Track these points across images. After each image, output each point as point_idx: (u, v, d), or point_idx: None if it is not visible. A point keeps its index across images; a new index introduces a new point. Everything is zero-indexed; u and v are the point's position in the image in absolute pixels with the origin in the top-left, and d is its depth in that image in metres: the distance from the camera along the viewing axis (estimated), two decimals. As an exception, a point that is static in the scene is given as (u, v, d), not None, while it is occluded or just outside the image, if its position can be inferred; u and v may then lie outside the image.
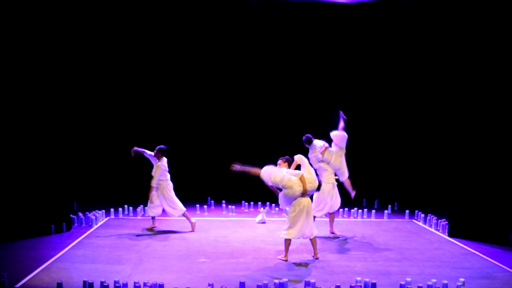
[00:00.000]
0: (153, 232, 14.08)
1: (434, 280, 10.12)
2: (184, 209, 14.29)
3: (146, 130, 17.81)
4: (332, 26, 18.09)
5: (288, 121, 18.27)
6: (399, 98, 18.23)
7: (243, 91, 18.39)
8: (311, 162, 13.27)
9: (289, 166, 12.10)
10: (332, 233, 14.12)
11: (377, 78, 18.33)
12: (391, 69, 18.21)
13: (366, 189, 17.17)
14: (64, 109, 14.20)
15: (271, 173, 11.73)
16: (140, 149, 14.20)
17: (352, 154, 14.80)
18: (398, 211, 17.07)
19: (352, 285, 9.91)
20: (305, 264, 11.48)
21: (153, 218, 14.39)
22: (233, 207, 16.77)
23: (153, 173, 13.82)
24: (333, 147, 13.81)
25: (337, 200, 13.92)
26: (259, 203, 17.41)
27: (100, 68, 17.79)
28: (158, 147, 14.03)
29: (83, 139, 17.65)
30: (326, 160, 13.68)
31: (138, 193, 15.78)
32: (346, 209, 16.41)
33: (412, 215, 16.39)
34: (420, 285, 9.91)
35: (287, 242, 11.74)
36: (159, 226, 14.53)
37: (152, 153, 14.08)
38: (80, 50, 17.11)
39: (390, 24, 17.88)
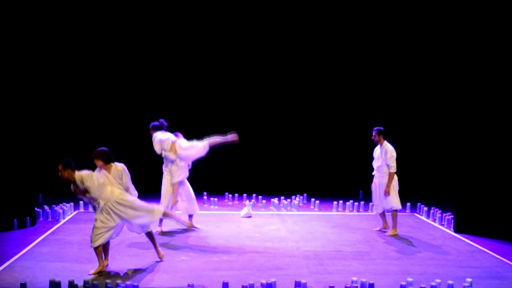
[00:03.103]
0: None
1: (438, 281, 10.13)
2: None
3: (116, 118, 17.99)
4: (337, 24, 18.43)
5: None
6: (401, 86, 18.38)
7: (224, 84, 18.75)
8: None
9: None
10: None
11: (379, 68, 18.61)
12: (394, 60, 18.49)
13: (363, 180, 17.21)
14: (27, 96, 14.16)
15: None
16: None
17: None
18: (398, 204, 17.12)
19: (348, 285, 9.91)
20: (295, 262, 11.49)
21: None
22: (216, 199, 16.78)
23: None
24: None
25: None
26: (244, 195, 17.44)
27: (67, 59, 17.99)
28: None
29: (48, 125, 17.64)
30: None
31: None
32: (341, 201, 16.46)
33: (414, 208, 16.46)
34: (422, 285, 9.89)
35: None
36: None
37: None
38: (43, 42, 17.17)
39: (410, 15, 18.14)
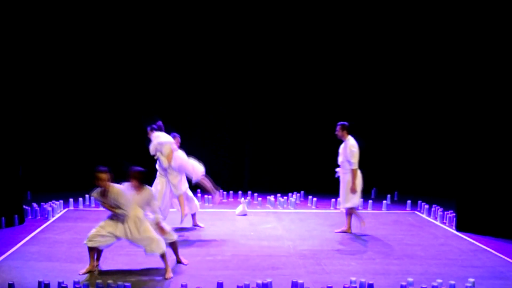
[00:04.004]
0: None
1: (439, 281, 10.12)
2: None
3: (108, 114, 18.01)
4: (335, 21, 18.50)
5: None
6: (401, 83, 18.41)
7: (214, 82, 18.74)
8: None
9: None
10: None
11: (380, 65, 18.62)
12: (395, 58, 18.50)
13: (362, 177, 17.21)
14: (15, 92, 14.12)
15: None
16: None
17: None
18: (398, 202, 17.13)
19: (346, 286, 9.90)
20: (292, 262, 11.47)
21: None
22: (210, 197, 16.73)
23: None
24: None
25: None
26: (240, 192, 17.41)
27: (53, 56, 17.99)
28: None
29: (37, 121, 17.59)
30: None
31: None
32: (339, 199, 16.42)
33: (414, 206, 16.45)
34: (423, 286, 9.90)
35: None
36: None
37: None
38: (31, 40, 17.20)
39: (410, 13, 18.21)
